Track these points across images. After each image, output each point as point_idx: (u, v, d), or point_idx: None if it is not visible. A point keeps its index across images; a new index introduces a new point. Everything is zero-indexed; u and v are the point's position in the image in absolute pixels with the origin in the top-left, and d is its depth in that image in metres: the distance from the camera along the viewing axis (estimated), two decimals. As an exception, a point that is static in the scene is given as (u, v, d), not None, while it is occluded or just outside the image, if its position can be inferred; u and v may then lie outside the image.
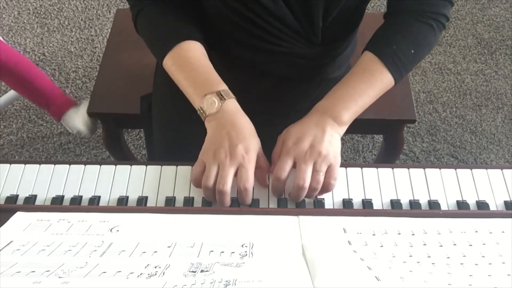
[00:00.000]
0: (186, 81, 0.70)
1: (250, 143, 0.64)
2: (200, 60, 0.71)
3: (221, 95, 0.66)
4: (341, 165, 0.67)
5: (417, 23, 0.70)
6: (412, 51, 0.70)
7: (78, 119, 1.45)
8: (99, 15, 2.03)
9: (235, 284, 0.40)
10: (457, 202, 0.66)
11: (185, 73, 0.70)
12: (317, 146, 0.63)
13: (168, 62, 0.71)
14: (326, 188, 0.64)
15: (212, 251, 0.47)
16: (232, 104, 0.67)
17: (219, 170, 0.62)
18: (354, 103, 0.68)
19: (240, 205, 0.64)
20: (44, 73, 1.41)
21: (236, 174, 0.63)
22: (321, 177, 0.63)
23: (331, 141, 0.65)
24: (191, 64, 0.70)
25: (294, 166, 0.64)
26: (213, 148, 0.64)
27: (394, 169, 0.69)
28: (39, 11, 2.04)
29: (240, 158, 0.62)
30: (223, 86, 0.68)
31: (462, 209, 0.65)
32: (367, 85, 0.69)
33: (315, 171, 0.63)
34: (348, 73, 0.72)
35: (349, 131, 0.72)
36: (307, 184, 0.62)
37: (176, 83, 0.72)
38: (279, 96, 0.88)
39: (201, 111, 0.67)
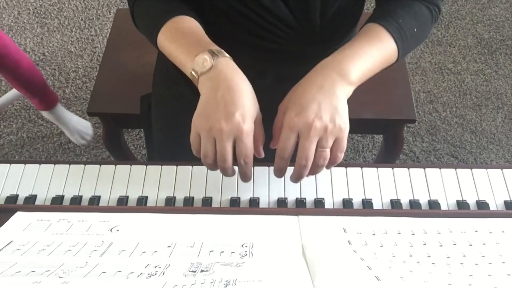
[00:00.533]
0: (177, 49, 0.65)
1: (247, 109, 0.59)
2: (193, 28, 0.67)
3: (213, 53, 0.61)
4: (341, 165, 0.67)
5: (418, 3, 0.69)
6: (415, 30, 0.67)
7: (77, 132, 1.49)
8: (99, 15, 2.03)
9: (235, 284, 0.40)
10: (457, 202, 0.66)
11: (176, 42, 0.65)
12: (323, 118, 0.58)
13: (161, 38, 0.67)
14: (332, 161, 0.61)
15: (212, 251, 0.47)
16: (227, 62, 0.62)
17: (215, 142, 0.59)
18: (362, 62, 0.63)
19: (240, 204, 0.64)
20: (36, 67, 1.40)
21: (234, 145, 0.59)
22: (327, 153, 0.59)
23: (338, 107, 0.60)
24: (182, 33, 0.66)
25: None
26: (206, 115, 0.59)
27: (394, 169, 0.69)
28: (39, 11, 2.04)
29: (237, 129, 0.57)
30: (215, 46, 0.63)
31: (462, 209, 0.65)
32: (376, 49, 0.64)
33: (320, 147, 0.59)
34: (352, 39, 0.67)
35: (349, 131, 0.71)
36: (309, 163, 0.59)
37: (171, 59, 0.67)
38: (278, 95, 0.87)
39: (193, 74, 0.61)
